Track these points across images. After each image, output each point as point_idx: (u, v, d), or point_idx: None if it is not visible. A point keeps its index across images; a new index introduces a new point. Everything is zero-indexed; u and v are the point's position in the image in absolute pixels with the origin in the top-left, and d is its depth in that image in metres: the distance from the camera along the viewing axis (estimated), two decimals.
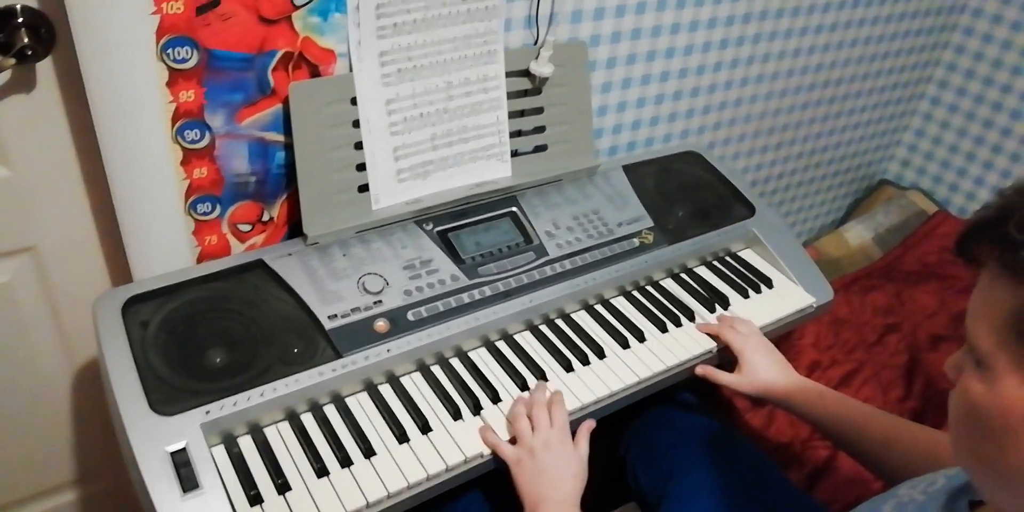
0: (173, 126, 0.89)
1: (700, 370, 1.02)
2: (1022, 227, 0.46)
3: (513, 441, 0.88)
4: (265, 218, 1.03)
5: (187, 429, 0.77)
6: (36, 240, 1.00)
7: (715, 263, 1.20)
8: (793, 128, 1.67)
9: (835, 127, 1.77)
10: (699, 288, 1.14)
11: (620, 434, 1.13)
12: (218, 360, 0.84)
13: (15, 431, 1.13)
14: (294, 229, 1.06)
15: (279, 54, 0.91)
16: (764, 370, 0.98)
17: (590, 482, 0.88)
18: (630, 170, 1.24)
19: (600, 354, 1.00)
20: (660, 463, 1.05)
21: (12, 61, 0.83)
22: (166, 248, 0.96)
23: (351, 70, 0.96)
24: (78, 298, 1.07)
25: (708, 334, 1.05)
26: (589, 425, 0.93)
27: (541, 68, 1.08)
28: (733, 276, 1.17)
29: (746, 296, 1.14)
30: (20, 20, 0.84)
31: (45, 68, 0.89)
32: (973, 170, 1.88)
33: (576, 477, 0.85)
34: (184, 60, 0.85)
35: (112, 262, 1.07)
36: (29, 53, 0.84)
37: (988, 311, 0.49)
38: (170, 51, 0.84)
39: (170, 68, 0.85)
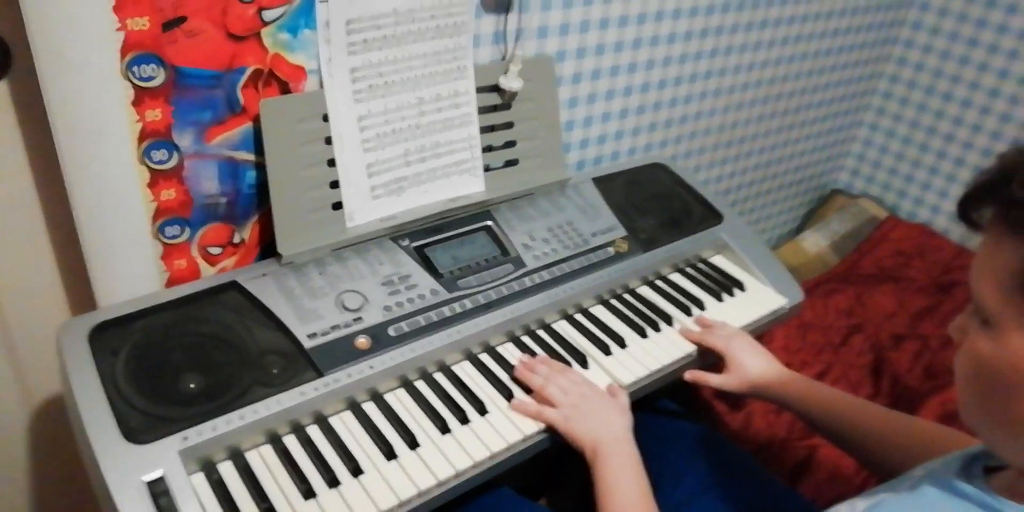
0: (140, 146, 0.86)
1: (689, 376, 1.02)
2: None
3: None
4: (236, 240, 1.00)
5: (164, 457, 0.73)
6: None
7: (688, 269, 1.21)
8: (749, 140, 1.71)
9: (788, 139, 1.82)
10: (674, 293, 1.15)
11: None
12: (194, 385, 0.81)
13: None
14: (266, 251, 1.03)
15: (248, 71, 0.90)
16: (752, 367, 0.99)
17: (575, 490, 0.87)
18: (600, 182, 1.25)
19: (583, 363, 0.99)
20: (649, 470, 1.05)
21: None
22: (133, 274, 0.93)
23: (322, 86, 0.95)
24: (35, 334, 1.03)
25: (690, 341, 1.06)
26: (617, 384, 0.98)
27: (510, 82, 1.09)
28: (706, 281, 1.19)
29: (720, 299, 1.15)
30: None
31: (0, 92, 0.87)
32: (920, 176, 1.95)
33: (623, 415, 0.90)
34: (150, 78, 0.83)
35: (72, 295, 1.03)
36: None
37: (993, 270, 0.51)
38: (135, 68, 0.82)
39: (136, 86, 0.83)
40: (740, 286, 1.19)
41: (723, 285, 1.18)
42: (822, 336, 1.57)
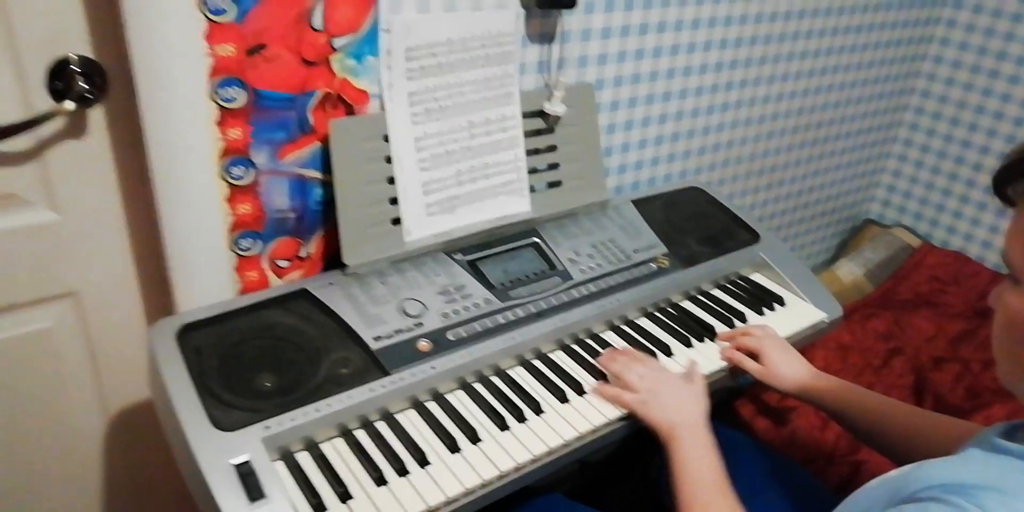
0: (221, 163, 0.94)
1: (727, 354, 1.07)
2: None
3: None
4: (302, 254, 1.07)
5: (249, 443, 0.79)
6: (79, 286, 1.03)
7: (728, 285, 1.25)
8: (781, 169, 1.77)
9: (819, 168, 1.87)
10: (716, 307, 1.19)
11: (651, 456, 1.15)
12: (272, 381, 0.86)
13: (44, 482, 1.13)
14: (328, 265, 1.10)
15: (319, 94, 0.98)
16: (784, 366, 1.03)
17: (626, 504, 0.90)
18: (639, 203, 1.30)
19: None
20: None
21: (72, 105, 0.89)
22: (210, 284, 0.99)
23: (383, 109, 1.03)
24: (116, 345, 1.09)
25: (725, 340, 1.10)
26: (698, 365, 1.02)
27: (555, 107, 1.16)
28: (746, 296, 1.23)
29: (760, 313, 1.19)
30: (76, 68, 0.91)
31: (96, 115, 0.95)
32: (951, 205, 1.98)
33: (699, 401, 0.93)
34: (233, 100, 0.92)
35: (151, 308, 1.10)
36: (89, 96, 0.90)
37: (1022, 231, 0.55)
38: (221, 91, 0.90)
39: (220, 107, 0.91)
40: (780, 301, 1.23)
41: (763, 300, 1.22)
42: (862, 358, 1.58)
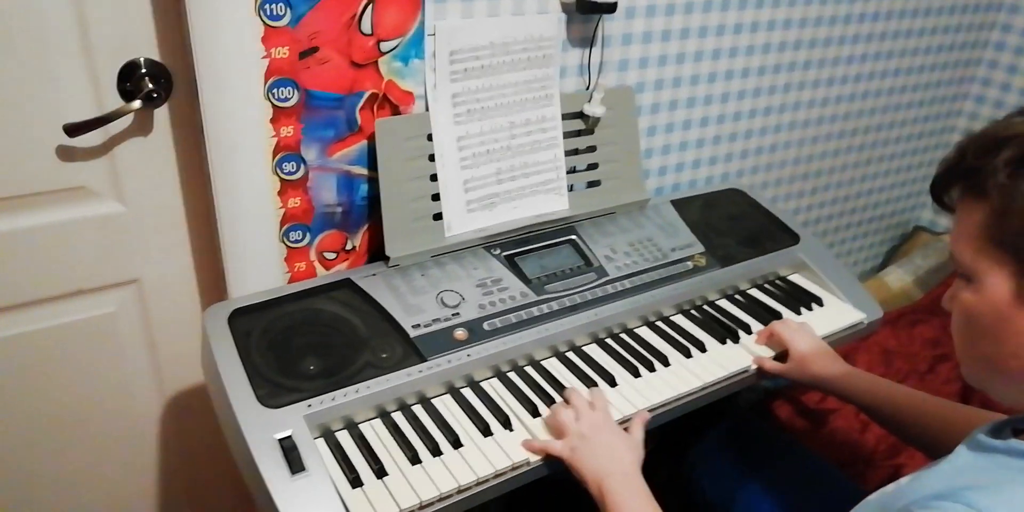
0: (274, 159, 1.00)
1: (756, 359, 1.06)
2: (976, 155, 0.58)
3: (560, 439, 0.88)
4: (348, 247, 1.12)
5: (292, 420, 0.83)
6: (141, 273, 1.10)
7: (766, 285, 1.26)
8: (826, 174, 1.76)
9: (866, 174, 1.85)
10: (753, 306, 1.20)
11: (683, 452, 1.16)
12: (315, 363, 0.91)
13: (102, 465, 1.20)
14: (372, 259, 1.15)
15: (366, 95, 1.03)
16: (813, 359, 1.03)
17: (657, 495, 0.89)
18: (678, 204, 1.32)
19: (665, 362, 1.05)
20: (727, 477, 1.08)
21: (139, 104, 0.96)
22: (261, 273, 1.05)
23: (427, 110, 1.07)
24: (173, 330, 1.16)
25: (763, 334, 1.11)
26: (643, 416, 0.94)
27: (594, 109, 1.19)
28: (784, 296, 1.23)
29: (798, 313, 1.19)
30: (144, 70, 0.98)
31: (161, 114, 1.02)
32: None
33: (632, 450, 0.86)
34: (286, 99, 0.97)
35: (206, 296, 1.16)
36: (155, 96, 0.97)
37: (965, 232, 0.59)
38: (275, 91, 0.96)
39: (274, 106, 0.97)
40: (819, 302, 1.23)
41: (801, 300, 1.22)
42: (907, 363, 1.56)
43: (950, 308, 0.64)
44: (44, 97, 0.93)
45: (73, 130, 0.94)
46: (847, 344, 1.24)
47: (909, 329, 1.65)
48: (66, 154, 0.98)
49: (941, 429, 0.90)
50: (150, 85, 0.97)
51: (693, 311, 1.18)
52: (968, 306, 0.60)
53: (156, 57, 0.98)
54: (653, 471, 0.91)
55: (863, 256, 2.08)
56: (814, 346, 1.06)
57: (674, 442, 1.17)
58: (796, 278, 1.29)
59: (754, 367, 1.07)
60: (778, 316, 1.18)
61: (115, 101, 0.97)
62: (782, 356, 1.08)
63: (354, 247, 1.13)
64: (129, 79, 0.98)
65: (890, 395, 0.96)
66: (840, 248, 1.98)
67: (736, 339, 1.12)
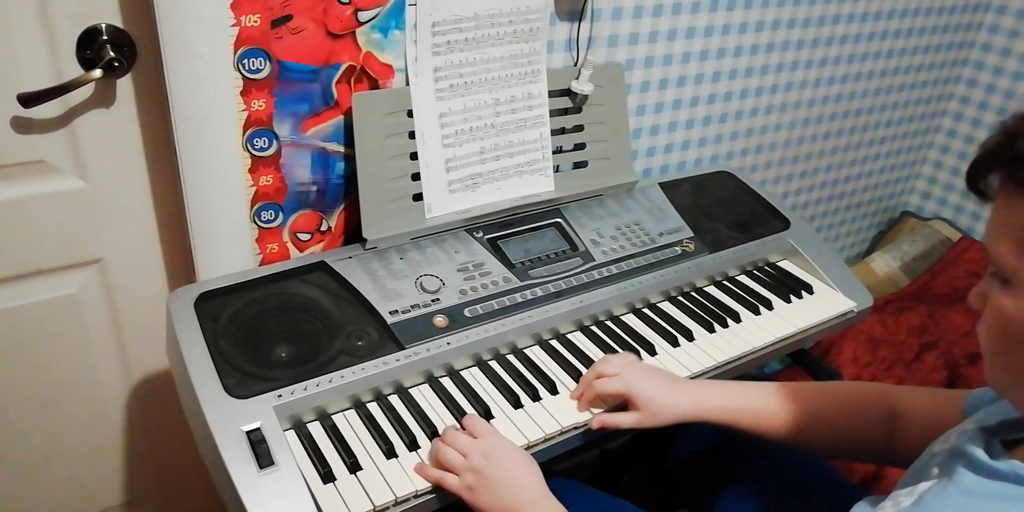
0: (244, 134, 0.95)
1: (596, 423, 0.89)
2: None
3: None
4: (323, 228, 1.07)
5: (261, 411, 0.79)
6: (104, 253, 1.05)
7: (755, 271, 1.23)
8: (816, 157, 1.73)
9: (855, 158, 1.82)
10: (742, 293, 1.16)
11: (667, 444, 1.13)
12: (286, 351, 0.86)
13: (67, 451, 1.15)
14: (349, 240, 1.10)
15: (343, 67, 0.98)
16: (660, 398, 0.87)
17: (642, 491, 0.84)
18: (667, 187, 1.28)
19: (651, 351, 1.02)
20: (710, 469, 1.05)
21: (99, 73, 0.90)
22: (231, 254, 1.00)
23: (408, 84, 1.02)
24: (139, 312, 1.11)
25: (581, 399, 0.93)
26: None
27: (582, 86, 1.14)
28: (773, 283, 1.20)
29: (788, 301, 1.16)
30: (105, 38, 0.92)
31: (124, 85, 0.96)
32: None
33: (528, 469, 0.79)
34: (257, 71, 0.92)
35: (173, 277, 1.11)
36: (116, 65, 0.91)
37: (1008, 230, 0.53)
38: (246, 61, 0.90)
39: (245, 78, 0.91)
40: (808, 289, 1.20)
41: (791, 287, 1.19)
42: (893, 352, 1.55)
43: (978, 307, 0.58)
44: None
45: (29, 100, 0.88)
46: (834, 333, 1.22)
47: (895, 316, 1.63)
48: (22, 126, 0.92)
49: (805, 417, 0.84)
50: (112, 53, 0.91)
51: (681, 298, 1.14)
52: (1006, 312, 0.54)
53: (118, 23, 0.92)
54: (634, 464, 0.88)
55: (850, 241, 2.06)
56: (652, 383, 0.89)
57: (656, 435, 1.14)
58: (786, 264, 1.26)
59: (595, 427, 0.89)
60: (768, 303, 1.15)
61: (74, 70, 0.91)
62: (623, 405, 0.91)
63: (329, 228, 1.08)
64: (89, 46, 0.91)
65: (743, 404, 0.87)
66: (827, 232, 1.96)
67: (725, 326, 1.09)
